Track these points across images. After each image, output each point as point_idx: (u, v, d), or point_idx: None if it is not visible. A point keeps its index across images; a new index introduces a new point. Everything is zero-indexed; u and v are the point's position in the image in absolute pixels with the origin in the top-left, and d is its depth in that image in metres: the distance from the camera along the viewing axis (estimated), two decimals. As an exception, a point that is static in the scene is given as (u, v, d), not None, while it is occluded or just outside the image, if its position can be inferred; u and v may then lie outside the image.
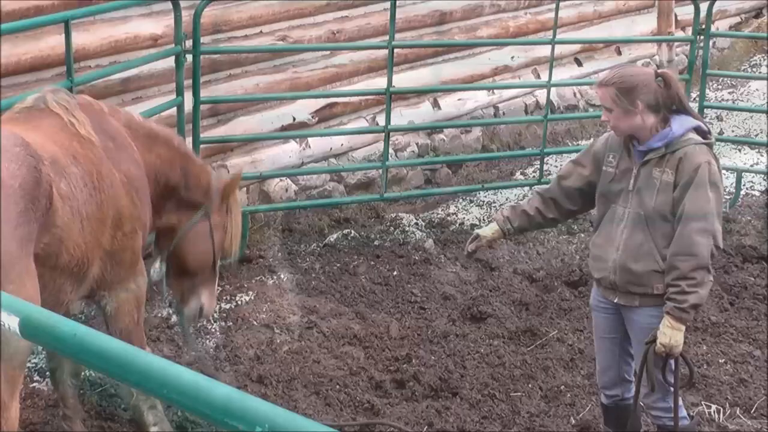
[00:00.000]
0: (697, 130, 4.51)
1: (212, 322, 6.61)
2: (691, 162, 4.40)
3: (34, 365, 5.89)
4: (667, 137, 4.45)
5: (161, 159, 4.91)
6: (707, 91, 10.13)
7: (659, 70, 4.55)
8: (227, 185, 5.15)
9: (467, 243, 5.03)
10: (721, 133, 11.02)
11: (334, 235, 8.05)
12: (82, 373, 5.38)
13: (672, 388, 4.66)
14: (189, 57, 7.00)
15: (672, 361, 4.57)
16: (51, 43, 6.63)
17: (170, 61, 6.98)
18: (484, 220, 8.61)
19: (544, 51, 10.06)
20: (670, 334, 4.42)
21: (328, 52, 8.87)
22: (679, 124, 4.47)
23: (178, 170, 4.97)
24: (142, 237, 4.72)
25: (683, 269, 4.41)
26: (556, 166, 9.84)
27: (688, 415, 4.94)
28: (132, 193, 4.56)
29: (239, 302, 6.91)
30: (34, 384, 5.76)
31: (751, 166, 10.09)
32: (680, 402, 4.88)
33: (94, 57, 7.02)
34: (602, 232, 4.71)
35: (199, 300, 5.22)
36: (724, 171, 9.55)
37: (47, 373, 5.45)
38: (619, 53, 12.12)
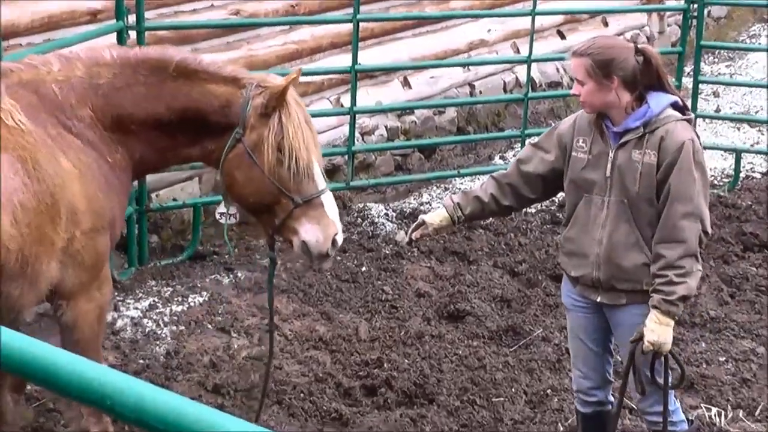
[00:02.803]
0: (674, 106, 4.52)
1: (162, 326, 6.58)
2: (673, 140, 4.41)
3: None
4: (645, 116, 4.46)
5: (133, 95, 4.61)
6: (702, 64, 10.20)
7: (639, 45, 4.56)
8: (272, 94, 4.63)
9: (410, 229, 4.94)
10: (717, 110, 11.09)
11: (296, 229, 8.03)
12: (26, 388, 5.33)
13: (663, 390, 4.67)
14: (132, 34, 6.95)
15: (661, 360, 4.57)
16: (-23, 19, 6.56)
17: (111, 39, 6.92)
18: (460, 209, 8.62)
19: (524, 23, 10.07)
20: (658, 330, 4.41)
21: (286, 27, 8.83)
22: (656, 101, 4.48)
23: (166, 101, 4.63)
24: (109, 236, 4.62)
25: (670, 257, 4.40)
26: (539, 149, 9.86)
27: (687, 419, 4.96)
28: (88, 182, 4.47)
29: (192, 304, 6.88)
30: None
31: (751, 146, 10.16)
32: (677, 405, 4.89)
33: (26, 34, 6.94)
34: (577, 224, 4.67)
35: (299, 236, 4.74)
36: (722, 152, 9.70)
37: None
38: (606, 24, 12.16)
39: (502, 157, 9.87)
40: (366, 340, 6.59)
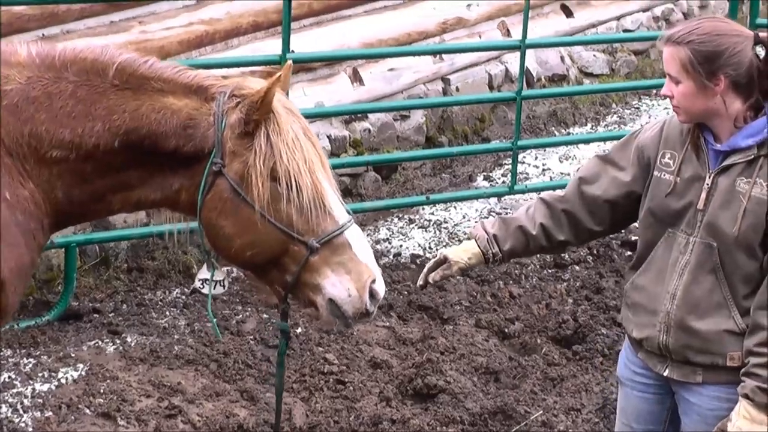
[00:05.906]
0: None
1: (21, 411, 6.57)
2: None
3: None
4: (762, 132, 4.41)
5: (54, 108, 4.55)
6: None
7: (762, 33, 4.48)
8: (251, 105, 4.59)
9: (426, 269, 4.92)
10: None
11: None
12: None
13: None
14: (-20, 11, 6.97)
15: None
16: None
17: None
18: (429, 248, 8.65)
19: (516, -5, 10.17)
20: (748, 428, 4.39)
21: (192, 2, 8.87)
22: None
23: (104, 118, 4.49)
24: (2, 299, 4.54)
25: None
26: (536, 167, 9.91)
27: None
28: None
29: (63, 380, 6.85)
30: None
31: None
32: None
33: None
34: (652, 269, 4.65)
35: (323, 294, 4.71)
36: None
37: None
38: (628, -3, 12.28)
39: (486, 178, 9.90)
40: (303, 427, 6.60)
